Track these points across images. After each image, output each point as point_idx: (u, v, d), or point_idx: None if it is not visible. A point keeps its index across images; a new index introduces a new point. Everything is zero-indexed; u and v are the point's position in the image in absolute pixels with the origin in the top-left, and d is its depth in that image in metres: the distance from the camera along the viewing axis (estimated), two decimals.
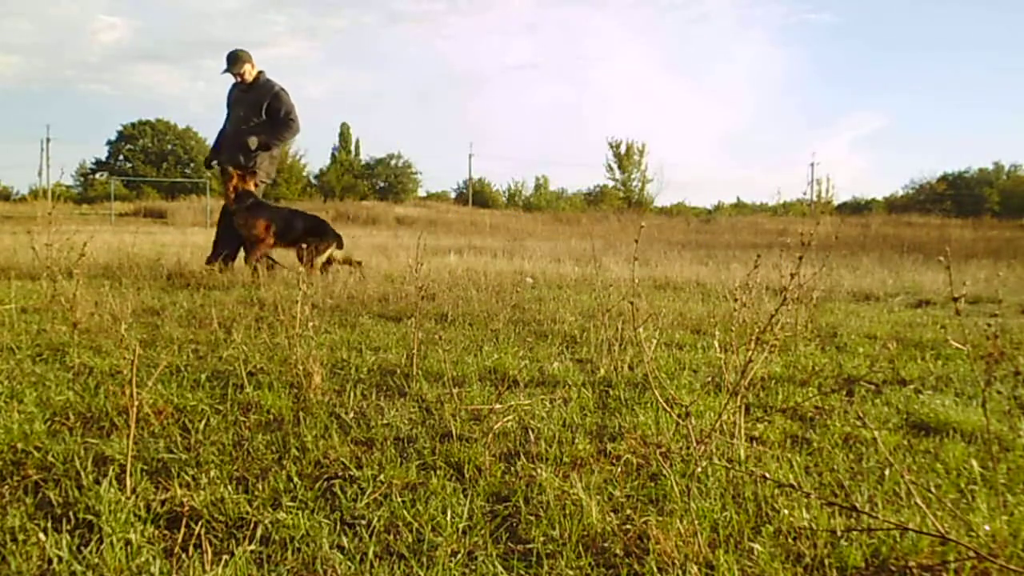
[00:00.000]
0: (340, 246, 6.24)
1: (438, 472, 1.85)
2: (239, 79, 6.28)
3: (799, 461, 1.97)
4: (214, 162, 6.54)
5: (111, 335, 3.34)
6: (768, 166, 79.74)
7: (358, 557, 1.44)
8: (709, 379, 2.83)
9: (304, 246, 5.93)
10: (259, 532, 1.52)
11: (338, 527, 1.56)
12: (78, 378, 2.66)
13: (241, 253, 6.20)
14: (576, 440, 2.09)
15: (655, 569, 1.41)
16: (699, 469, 1.75)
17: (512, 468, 1.90)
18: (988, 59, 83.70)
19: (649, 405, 2.44)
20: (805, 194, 42.79)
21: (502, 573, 1.40)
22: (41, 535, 1.45)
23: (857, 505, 1.47)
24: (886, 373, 3.06)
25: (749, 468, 1.86)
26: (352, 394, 2.54)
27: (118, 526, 1.50)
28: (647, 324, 3.87)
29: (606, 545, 1.52)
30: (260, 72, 6.33)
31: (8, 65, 78.63)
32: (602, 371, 2.93)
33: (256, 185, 6.15)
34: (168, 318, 4.00)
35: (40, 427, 2.08)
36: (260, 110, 6.22)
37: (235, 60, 6.21)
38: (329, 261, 6.16)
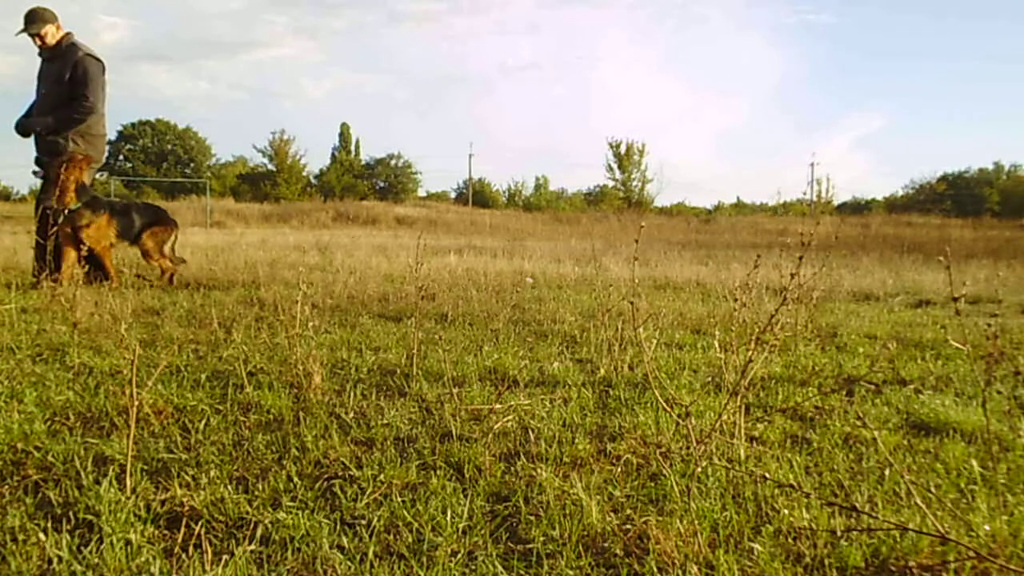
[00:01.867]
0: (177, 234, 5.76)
1: (438, 472, 1.85)
2: (39, 43, 5.15)
3: (799, 461, 1.97)
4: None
5: (111, 335, 3.34)
6: (768, 166, 79.77)
7: (358, 557, 1.43)
8: (709, 379, 2.83)
9: (147, 240, 5.35)
10: (259, 532, 1.52)
11: (338, 527, 1.56)
12: (78, 378, 2.66)
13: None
14: (576, 440, 2.09)
15: (655, 569, 1.41)
16: (699, 469, 1.75)
17: (512, 468, 1.90)
18: (988, 59, 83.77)
19: (649, 405, 2.44)
20: (805, 194, 42.82)
21: (502, 573, 1.40)
22: (41, 535, 1.45)
23: (857, 505, 1.47)
24: (886, 373, 3.06)
25: (749, 468, 1.86)
26: (352, 394, 2.54)
27: (118, 526, 1.50)
28: (647, 324, 3.87)
29: (606, 545, 1.51)
30: (67, 35, 5.22)
31: (10, 65, 78.71)
32: (602, 371, 2.93)
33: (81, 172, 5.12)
34: (168, 318, 4.00)
35: (40, 427, 2.08)
36: (63, 82, 5.10)
37: (33, 19, 5.10)
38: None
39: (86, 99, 5.08)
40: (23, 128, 5.18)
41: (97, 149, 5.30)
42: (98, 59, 5.19)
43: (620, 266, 7.73)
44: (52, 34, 5.15)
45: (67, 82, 5.08)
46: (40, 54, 5.27)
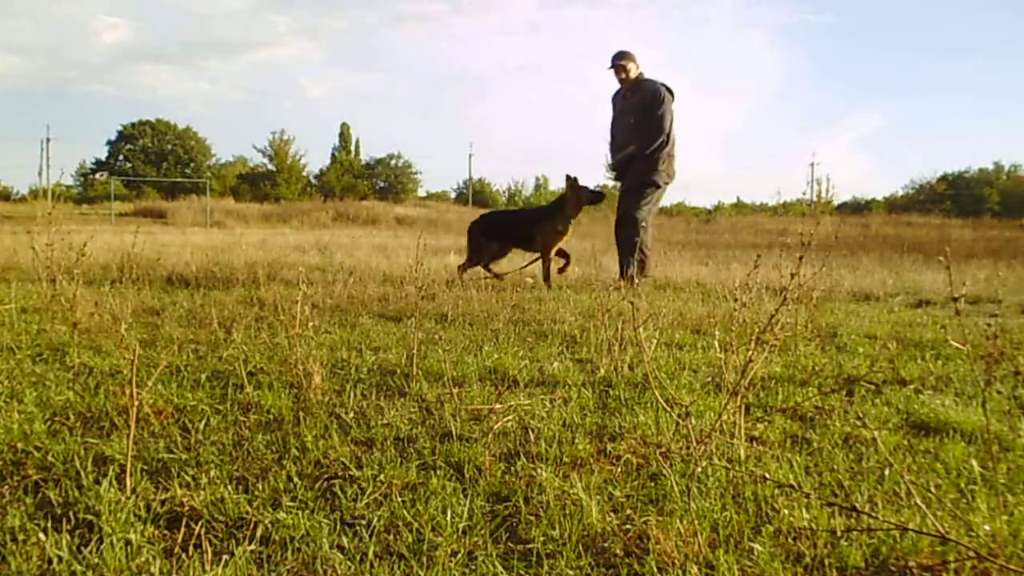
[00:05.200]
0: None
1: (438, 472, 1.85)
2: (621, 78, 6.31)
3: (799, 461, 1.97)
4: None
5: (111, 335, 3.34)
6: (768, 166, 79.81)
7: (358, 557, 1.43)
8: (709, 379, 2.83)
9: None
10: (259, 532, 1.52)
11: (338, 527, 1.56)
12: (78, 378, 2.66)
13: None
14: (576, 440, 2.09)
15: (655, 569, 1.41)
16: (699, 469, 1.75)
17: (512, 468, 1.90)
18: (988, 59, 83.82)
19: (649, 405, 2.44)
20: (805, 194, 42.71)
21: (502, 573, 1.40)
22: (41, 535, 1.45)
23: (857, 505, 1.47)
24: (886, 373, 3.06)
25: (749, 468, 1.86)
26: (352, 394, 2.54)
27: (118, 526, 1.50)
28: (647, 324, 3.87)
29: (606, 545, 1.51)
30: (641, 72, 6.34)
31: (10, 65, 78.84)
32: (602, 371, 2.93)
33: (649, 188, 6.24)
34: (168, 318, 4.00)
35: (40, 427, 2.08)
36: (646, 110, 6.19)
37: (620, 57, 6.28)
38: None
39: (660, 120, 6.12)
40: (621, 166, 6.40)
41: (672, 168, 6.29)
42: (670, 89, 6.21)
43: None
44: (633, 71, 6.31)
45: (649, 109, 6.15)
46: (621, 89, 6.47)
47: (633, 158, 6.22)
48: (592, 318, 4.00)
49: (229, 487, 1.71)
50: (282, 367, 2.81)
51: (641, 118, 6.19)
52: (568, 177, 6.29)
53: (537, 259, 6.41)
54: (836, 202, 38.35)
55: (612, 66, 6.33)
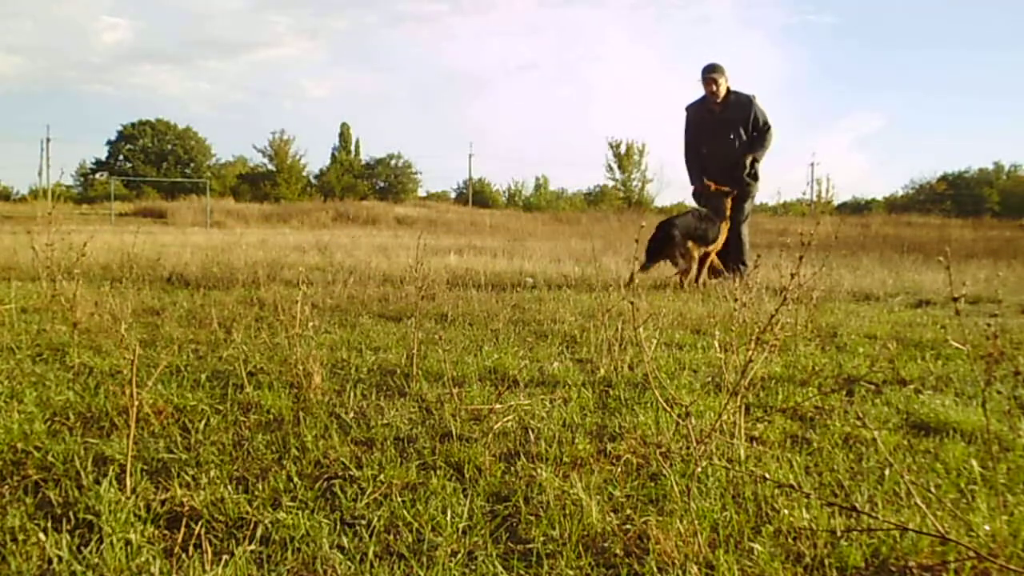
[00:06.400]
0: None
1: (438, 472, 1.85)
2: (714, 89, 6.32)
3: (799, 461, 1.97)
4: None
5: (111, 335, 3.34)
6: (767, 166, 79.59)
7: (358, 557, 1.44)
8: (709, 379, 2.83)
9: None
10: (259, 532, 1.52)
11: (338, 527, 1.56)
12: (78, 378, 2.66)
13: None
14: (576, 440, 2.09)
15: (655, 569, 1.41)
16: (699, 469, 1.75)
17: (512, 468, 1.90)
18: (988, 59, 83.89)
19: (649, 405, 2.44)
20: (805, 194, 42.70)
21: (502, 573, 1.40)
22: (41, 535, 1.45)
23: (857, 505, 1.47)
24: (886, 373, 3.06)
25: (749, 468, 1.86)
26: (352, 394, 2.54)
27: (118, 526, 1.50)
28: (647, 324, 3.87)
29: (606, 545, 1.51)
30: (729, 86, 6.44)
31: (10, 65, 78.84)
32: (602, 371, 2.93)
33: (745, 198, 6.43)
34: (168, 318, 4.00)
35: (40, 427, 2.08)
36: (748, 123, 6.32)
37: (711, 70, 6.33)
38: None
39: (770, 129, 6.39)
40: (734, 180, 6.32)
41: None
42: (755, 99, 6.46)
43: (620, 266, 7.72)
44: (723, 84, 6.35)
45: (753, 122, 6.34)
46: (703, 100, 6.48)
47: (736, 168, 6.34)
48: (592, 318, 4.00)
49: (229, 487, 1.71)
50: (282, 367, 2.81)
51: (743, 130, 6.34)
52: (708, 183, 6.35)
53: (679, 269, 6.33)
54: (836, 202, 38.41)
55: (704, 78, 6.35)
